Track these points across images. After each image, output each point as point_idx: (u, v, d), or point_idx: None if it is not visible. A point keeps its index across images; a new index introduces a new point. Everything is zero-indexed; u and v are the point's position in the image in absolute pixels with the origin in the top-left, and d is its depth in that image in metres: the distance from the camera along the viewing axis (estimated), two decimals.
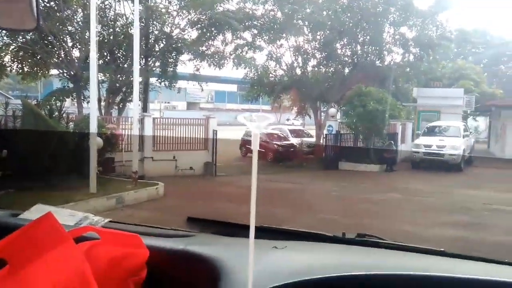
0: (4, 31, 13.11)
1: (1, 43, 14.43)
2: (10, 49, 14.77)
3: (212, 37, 17.28)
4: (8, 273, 1.06)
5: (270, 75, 19.68)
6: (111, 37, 15.41)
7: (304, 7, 17.79)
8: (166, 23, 16.28)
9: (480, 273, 1.18)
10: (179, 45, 16.65)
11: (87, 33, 12.89)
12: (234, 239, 1.56)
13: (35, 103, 13.81)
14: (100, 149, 10.58)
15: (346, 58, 19.27)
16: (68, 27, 15.02)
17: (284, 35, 18.52)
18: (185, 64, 17.54)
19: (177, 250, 1.38)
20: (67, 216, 1.77)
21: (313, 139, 18.73)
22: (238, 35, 18.19)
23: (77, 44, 15.18)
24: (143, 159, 13.00)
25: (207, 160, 14.24)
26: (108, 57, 15.52)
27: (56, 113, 12.22)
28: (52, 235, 1.11)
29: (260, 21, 18.30)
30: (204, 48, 17.39)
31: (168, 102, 34.52)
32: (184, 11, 16.32)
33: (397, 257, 1.41)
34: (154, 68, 16.80)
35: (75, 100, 15.63)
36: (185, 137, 14.38)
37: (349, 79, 18.33)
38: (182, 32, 16.76)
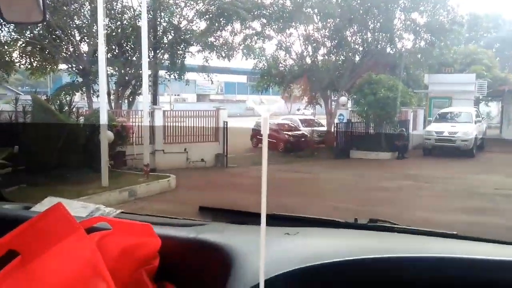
0: (11, 26, 13.23)
1: (9, 38, 14.51)
2: (18, 44, 14.84)
3: (221, 28, 17.19)
4: (20, 264, 1.06)
5: (280, 65, 19.60)
6: (119, 30, 15.41)
7: None
8: (174, 14, 16.23)
9: (493, 254, 1.17)
10: (188, 36, 16.62)
11: (95, 26, 12.91)
12: (246, 227, 1.55)
13: (45, 98, 13.89)
14: (111, 143, 10.63)
15: (357, 46, 19.10)
16: (76, 21, 15.06)
17: (293, 23, 18.37)
18: (194, 56, 17.53)
19: (189, 238, 1.38)
20: (78, 207, 1.77)
21: (324, 128, 18.66)
22: (247, 25, 18.10)
23: (85, 37, 15.23)
24: (154, 152, 13.04)
25: (218, 152, 14.25)
26: (117, 50, 15.56)
27: (66, 108, 12.29)
28: (63, 226, 1.10)
29: (269, 10, 18.17)
30: (213, 39, 17.32)
31: (178, 95, 34.51)
32: (192, 2, 16.24)
33: (410, 241, 1.40)
34: (163, 61, 16.79)
35: (85, 94, 15.70)
36: (196, 129, 14.40)
37: (359, 67, 18.18)
38: (190, 24, 16.71)
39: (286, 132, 16.84)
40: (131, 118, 14.00)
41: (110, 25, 15.13)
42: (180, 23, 16.51)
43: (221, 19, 16.74)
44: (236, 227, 1.58)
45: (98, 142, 10.19)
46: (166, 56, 16.86)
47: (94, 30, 13.83)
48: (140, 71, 12.53)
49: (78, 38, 15.24)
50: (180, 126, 14.22)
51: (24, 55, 15.08)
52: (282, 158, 14.43)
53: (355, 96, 17.02)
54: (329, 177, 12.76)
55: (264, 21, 18.36)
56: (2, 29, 14.06)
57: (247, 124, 15.88)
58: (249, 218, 1.62)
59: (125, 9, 15.57)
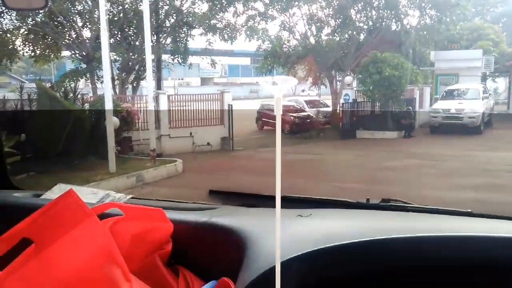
0: (13, 14, 13.17)
1: (12, 26, 14.45)
2: (21, 32, 14.79)
3: (223, 9, 17.01)
4: (34, 252, 1.06)
5: (284, 45, 19.42)
6: (121, 15, 15.29)
7: None
8: None
9: (508, 231, 1.15)
10: (190, 19, 16.48)
11: (97, 12, 12.81)
12: (258, 210, 1.55)
13: (50, 85, 13.88)
14: (116, 129, 10.65)
15: (361, 24, 18.84)
16: (77, 7, 14.96)
17: (296, 3, 18.15)
18: (197, 39, 17.41)
19: (201, 222, 1.37)
20: (89, 194, 1.77)
21: (329, 109, 18.57)
22: (250, 6, 17.91)
23: (87, 23, 15.13)
24: (160, 137, 13.05)
25: (223, 135, 14.24)
26: (119, 36, 15.46)
27: (71, 95, 12.29)
28: (75, 212, 1.10)
29: None
30: (215, 21, 17.17)
31: (182, 79, 34.40)
32: None
33: (423, 220, 1.38)
34: (166, 45, 16.70)
35: (89, 80, 15.68)
36: (201, 113, 14.38)
37: (364, 45, 17.97)
38: (192, 6, 16.56)
39: (292, 114, 16.79)
40: (136, 104, 13.98)
41: (111, 10, 15.02)
42: (182, 6, 16.36)
43: (223, 0, 16.57)
44: (247, 210, 1.57)
45: (104, 128, 10.21)
46: (169, 40, 16.75)
47: (96, 16, 13.74)
48: (144, 56, 12.48)
49: (80, 24, 15.15)
50: (185, 110, 14.18)
51: (27, 43, 15.03)
52: (288, 140, 14.41)
53: (360, 76, 16.88)
54: (336, 158, 12.75)
55: (267, 1, 18.15)
56: (4, 17, 14.03)
57: (252, 106, 15.81)
58: (260, 200, 1.62)
59: None
